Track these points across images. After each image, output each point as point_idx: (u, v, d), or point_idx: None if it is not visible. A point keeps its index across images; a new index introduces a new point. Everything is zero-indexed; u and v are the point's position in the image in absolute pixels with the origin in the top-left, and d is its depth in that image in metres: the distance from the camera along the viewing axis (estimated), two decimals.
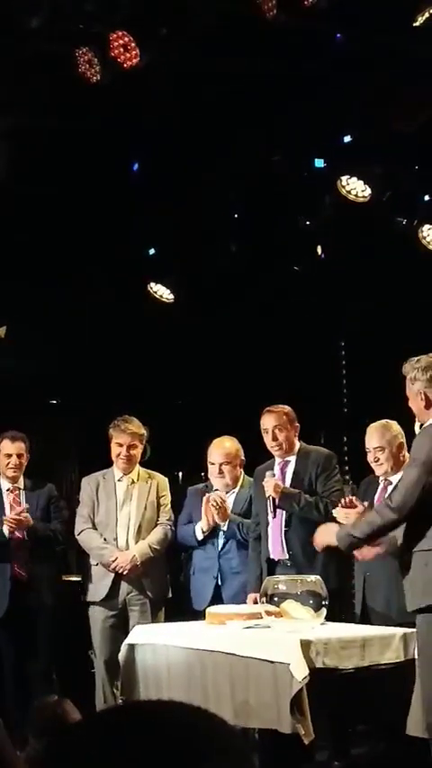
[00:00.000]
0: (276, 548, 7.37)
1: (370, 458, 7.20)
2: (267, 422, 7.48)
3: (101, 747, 1.32)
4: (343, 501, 6.94)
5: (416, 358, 6.04)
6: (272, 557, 7.37)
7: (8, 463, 8.34)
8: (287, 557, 7.32)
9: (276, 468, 7.49)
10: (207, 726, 1.36)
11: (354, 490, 7.53)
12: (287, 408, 7.52)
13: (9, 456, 8.35)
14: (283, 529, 7.36)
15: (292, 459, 7.52)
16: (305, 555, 7.27)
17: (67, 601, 8.46)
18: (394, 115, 8.81)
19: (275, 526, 7.38)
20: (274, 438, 7.45)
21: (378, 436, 7.14)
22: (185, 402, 11.71)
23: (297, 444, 7.54)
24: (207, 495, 7.77)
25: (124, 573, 7.91)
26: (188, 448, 10.07)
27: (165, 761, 1.30)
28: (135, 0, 7.65)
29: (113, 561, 7.92)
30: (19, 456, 8.34)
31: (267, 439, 7.48)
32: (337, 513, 6.91)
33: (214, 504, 7.66)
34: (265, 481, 7.31)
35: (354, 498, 6.96)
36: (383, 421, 7.13)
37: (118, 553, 7.95)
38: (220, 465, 7.79)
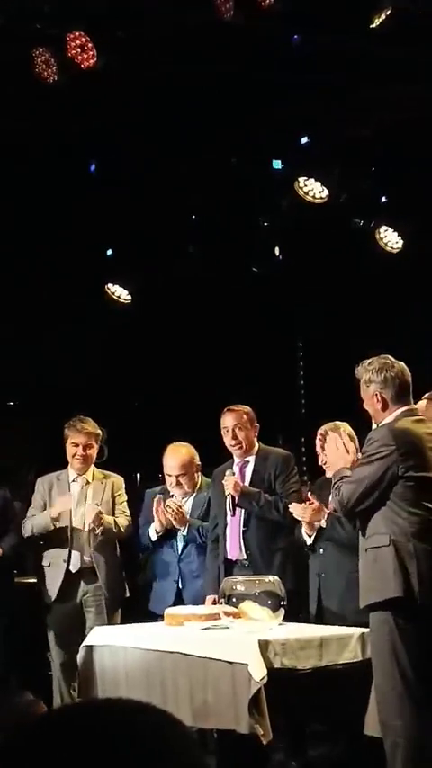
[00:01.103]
0: (234, 548, 7.37)
1: (320, 459, 7.16)
2: (228, 421, 7.49)
3: (52, 745, 1.33)
4: (304, 497, 6.98)
5: (368, 360, 6.05)
6: (229, 557, 7.37)
7: None
8: (245, 557, 7.33)
9: (235, 468, 7.49)
10: (157, 723, 1.36)
11: (311, 490, 7.54)
12: (248, 408, 7.53)
13: None
14: (242, 529, 7.36)
15: (251, 459, 7.52)
16: (262, 555, 7.28)
17: (24, 603, 8.42)
18: (348, 117, 8.85)
19: (234, 526, 7.38)
20: (234, 437, 7.45)
21: (322, 440, 7.10)
22: (143, 403, 11.70)
23: (256, 445, 7.55)
24: (158, 497, 7.76)
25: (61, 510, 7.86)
26: (146, 449, 10.06)
27: (115, 759, 1.30)
28: (93, 1, 7.63)
29: (60, 504, 7.87)
30: None
31: (227, 438, 7.48)
32: (294, 507, 6.93)
33: (170, 511, 7.65)
34: (225, 479, 7.31)
35: (311, 495, 6.98)
36: (332, 423, 7.09)
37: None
38: (177, 477, 7.78)
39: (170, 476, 7.80)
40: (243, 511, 7.35)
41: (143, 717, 1.36)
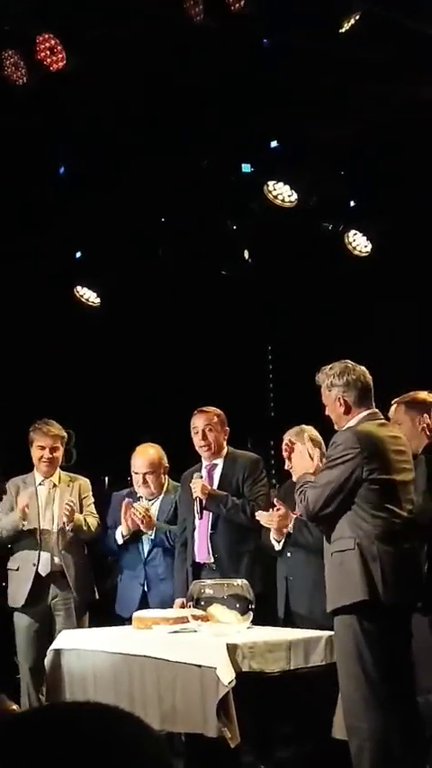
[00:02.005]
0: (202, 551, 7.37)
1: (287, 465, 7.13)
2: (198, 422, 7.49)
3: (19, 748, 1.32)
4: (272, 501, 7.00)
5: (328, 366, 6.08)
6: (197, 560, 7.37)
7: None
8: (212, 560, 7.33)
9: (204, 471, 7.49)
10: (122, 726, 1.36)
11: (278, 494, 7.55)
12: (218, 411, 7.55)
13: None
14: (209, 532, 7.36)
15: (220, 462, 7.52)
16: (230, 558, 7.28)
17: None
18: (318, 121, 8.87)
19: (202, 529, 7.38)
20: (204, 438, 7.45)
21: (288, 449, 7.04)
22: (111, 406, 11.67)
23: (225, 447, 7.55)
24: (126, 501, 7.76)
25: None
26: (114, 453, 10.04)
27: (82, 761, 1.30)
28: (62, 3, 7.62)
29: (23, 498, 7.85)
30: None
31: (197, 439, 7.48)
32: (260, 515, 6.94)
33: (137, 514, 7.65)
34: (193, 482, 7.32)
35: (277, 501, 6.98)
36: (297, 428, 7.07)
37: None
38: (144, 475, 7.78)
39: (137, 474, 7.81)
40: (211, 514, 7.36)
41: (116, 721, 1.36)
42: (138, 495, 7.85)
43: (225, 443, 7.56)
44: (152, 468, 7.79)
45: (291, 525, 6.87)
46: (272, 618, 7.02)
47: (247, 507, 7.28)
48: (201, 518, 7.34)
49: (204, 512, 7.33)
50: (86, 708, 1.39)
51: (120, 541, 7.80)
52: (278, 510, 6.86)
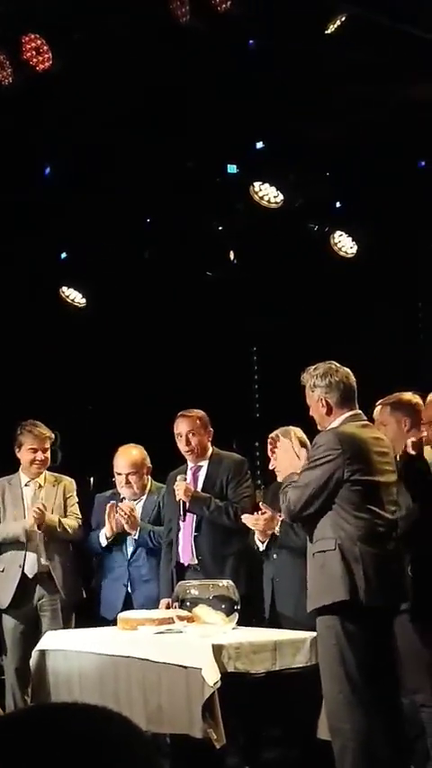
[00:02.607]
0: (186, 552, 7.37)
1: (271, 464, 7.11)
2: (181, 426, 7.49)
3: (8, 749, 1.32)
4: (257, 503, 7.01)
5: (312, 366, 6.09)
6: (182, 561, 7.37)
7: None
8: (196, 561, 7.33)
9: (189, 473, 7.50)
10: (112, 727, 1.36)
11: (265, 497, 7.54)
12: (201, 413, 7.53)
13: None
14: (193, 534, 7.37)
15: (205, 463, 7.52)
16: (215, 560, 7.28)
17: None
18: (306, 122, 8.87)
19: (186, 531, 7.38)
20: (188, 443, 7.45)
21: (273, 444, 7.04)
22: (96, 407, 11.67)
23: (210, 449, 7.55)
24: (111, 503, 7.75)
25: (35, 517, 7.82)
26: (99, 453, 10.03)
27: (71, 762, 1.30)
28: (48, 3, 7.61)
29: (27, 521, 7.85)
30: None
31: (181, 443, 7.49)
32: (246, 518, 6.93)
33: (122, 514, 7.65)
34: (176, 484, 7.32)
35: (263, 504, 6.98)
36: (283, 428, 7.06)
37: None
38: (127, 475, 7.78)
39: (120, 474, 7.81)
40: (194, 516, 7.36)
41: (105, 722, 1.36)
42: (121, 497, 7.85)
43: (209, 444, 7.56)
44: (135, 469, 7.79)
45: (277, 527, 6.87)
46: (257, 619, 7.02)
47: (230, 509, 7.28)
48: (184, 520, 7.34)
49: (188, 514, 7.33)
50: (75, 708, 1.39)
51: (104, 543, 7.79)
52: (264, 513, 6.86)
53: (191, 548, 7.37)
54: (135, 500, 7.84)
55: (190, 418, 7.49)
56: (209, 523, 7.33)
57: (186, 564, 7.37)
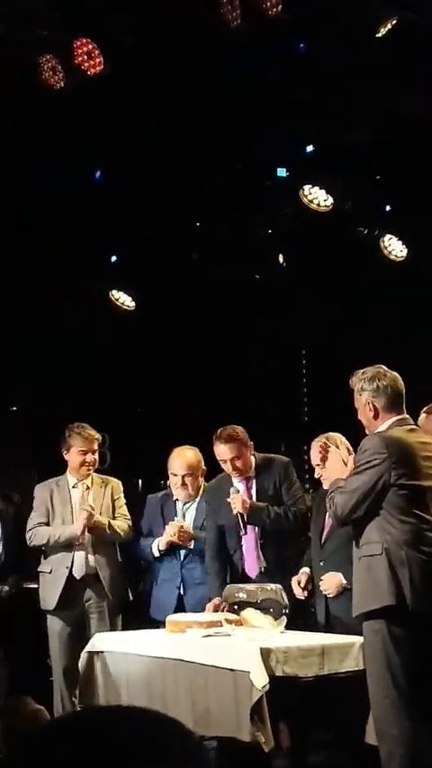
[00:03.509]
0: (252, 564, 7.32)
1: (317, 473, 7.08)
2: (224, 453, 7.29)
3: (58, 754, 1.33)
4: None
5: (362, 370, 6.09)
6: (248, 574, 7.31)
7: None
8: (262, 571, 7.28)
9: (241, 486, 7.40)
10: (164, 731, 1.36)
11: (313, 499, 7.53)
12: (238, 431, 7.32)
13: None
14: (259, 542, 7.32)
15: (252, 477, 7.43)
16: (278, 566, 7.25)
17: (26, 608, 8.41)
18: (353, 126, 8.86)
19: (249, 542, 7.33)
20: (234, 467, 7.36)
21: (315, 451, 6.92)
22: (145, 410, 11.70)
23: (253, 460, 7.47)
24: (173, 522, 7.67)
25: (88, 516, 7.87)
26: (147, 456, 10.06)
27: (121, 766, 1.30)
28: (100, 8, 7.65)
29: (79, 523, 7.88)
30: None
31: (226, 467, 7.33)
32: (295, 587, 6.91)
33: (172, 535, 7.61)
34: (231, 498, 7.23)
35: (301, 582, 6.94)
36: (325, 434, 7.03)
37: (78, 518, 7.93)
38: (183, 477, 7.76)
39: (175, 475, 7.78)
40: (255, 526, 7.31)
41: (161, 727, 1.36)
42: (174, 498, 7.85)
43: (252, 456, 7.46)
44: (191, 471, 7.76)
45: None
46: (312, 621, 7.00)
47: (288, 514, 7.25)
48: (245, 533, 7.29)
49: (248, 526, 7.27)
50: (126, 711, 1.38)
51: (156, 554, 7.77)
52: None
53: (257, 559, 7.32)
54: (189, 502, 7.82)
55: (231, 445, 7.27)
56: (271, 531, 7.29)
57: (253, 576, 7.30)
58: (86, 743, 1.33)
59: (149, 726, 1.36)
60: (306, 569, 7.00)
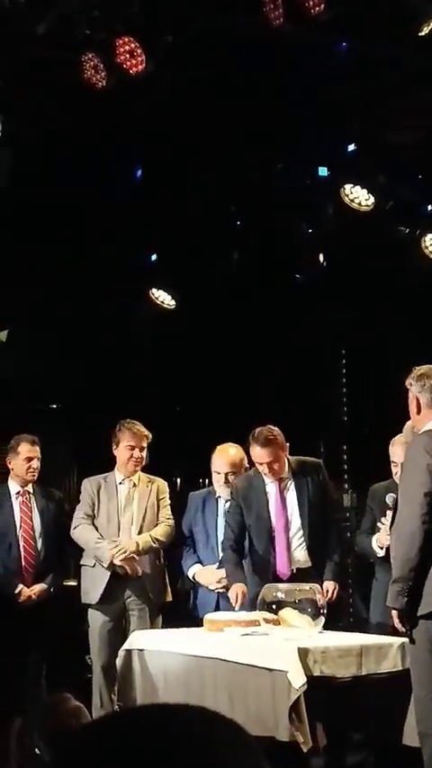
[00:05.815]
0: (283, 564, 7.28)
1: (394, 470, 7.05)
2: (261, 456, 7.25)
3: (116, 750, 1.31)
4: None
5: (418, 367, 6.12)
6: (279, 574, 7.27)
7: (29, 467, 8.30)
8: (293, 572, 7.26)
9: (272, 498, 7.34)
10: (221, 731, 1.34)
11: (353, 500, 7.53)
12: (275, 433, 7.28)
13: (30, 459, 8.31)
14: (293, 546, 7.32)
15: (286, 475, 7.38)
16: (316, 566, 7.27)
17: (65, 604, 8.43)
18: (395, 125, 8.83)
19: (281, 543, 7.29)
20: (271, 470, 7.32)
21: (400, 451, 6.85)
22: (184, 408, 11.71)
23: (287, 462, 7.44)
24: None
25: (123, 557, 7.88)
26: (186, 454, 10.07)
27: (186, 765, 1.29)
28: (142, 6, 7.66)
29: (113, 549, 7.88)
30: (38, 459, 8.32)
31: (262, 469, 7.30)
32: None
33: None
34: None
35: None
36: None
37: (120, 540, 7.95)
38: (226, 474, 7.76)
39: (218, 473, 7.80)
40: (291, 521, 7.31)
41: (210, 724, 1.34)
42: (216, 495, 7.86)
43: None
44: (234, 468, 7.77)
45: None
46: (344, 621, 6.99)
47: (338, 549, 7.30)
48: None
49: (280, 527, 7.28)
50: (180, 709, 1.36)
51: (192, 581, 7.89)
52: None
53: (287, 560, 7.30)
54: (230, 499, 7.82)
55: (269, 448, 7.22)
56: (309, 534, 7.28)
57: (285, 577, 7.29)
58: (147, 739, 1.31)
59: (213, 725, 1.34)
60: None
